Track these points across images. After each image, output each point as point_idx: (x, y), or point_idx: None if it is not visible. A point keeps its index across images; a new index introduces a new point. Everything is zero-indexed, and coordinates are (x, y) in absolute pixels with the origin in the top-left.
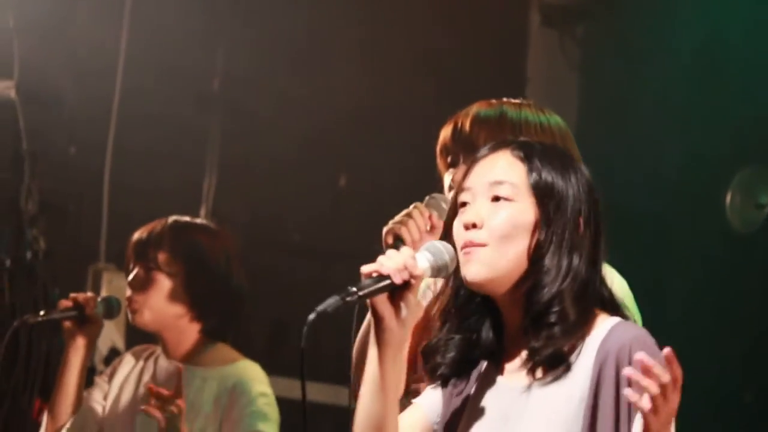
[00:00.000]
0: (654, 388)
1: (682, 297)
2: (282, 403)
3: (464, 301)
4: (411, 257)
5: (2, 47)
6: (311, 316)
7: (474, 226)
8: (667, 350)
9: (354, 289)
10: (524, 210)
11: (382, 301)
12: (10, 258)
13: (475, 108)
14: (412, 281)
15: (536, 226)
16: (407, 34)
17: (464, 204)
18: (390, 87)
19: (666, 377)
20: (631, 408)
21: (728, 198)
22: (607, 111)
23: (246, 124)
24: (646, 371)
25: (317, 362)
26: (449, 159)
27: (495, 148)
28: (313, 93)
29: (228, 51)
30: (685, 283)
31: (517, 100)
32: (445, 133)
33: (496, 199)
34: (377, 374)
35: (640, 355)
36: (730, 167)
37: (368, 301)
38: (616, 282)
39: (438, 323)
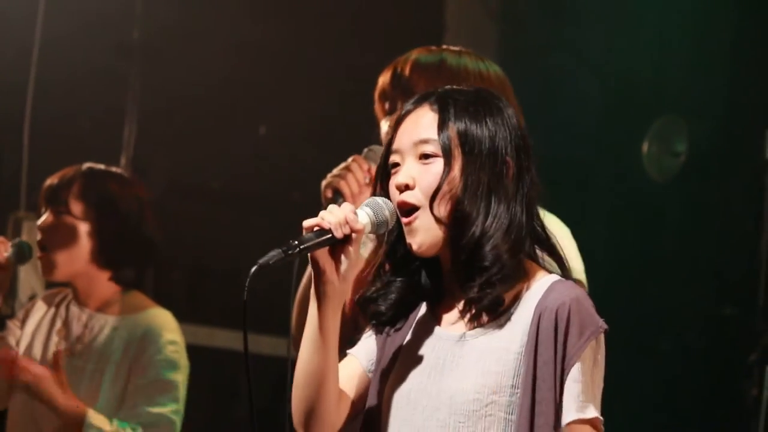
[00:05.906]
0: None
1: (603, 244)
2: (201, 351)
3: (405, 252)
4: (352, 212)
5: None
6: (253, 269)
7: (407, 187)
8: None
9: (295, 242)
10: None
11: (323, 255)
12: None
13: (415, 54)
14: (353, 235)
15: (459, 176)
16: None
17: (396, 164)
18: (308, 35)
19: None
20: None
21: (645, 147)
22: (525, 60)
23: (166, 73)
24: None
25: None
26: (387, 105)
27: (417, 103)
28: (232, 41)
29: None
30: (606, 230)
31: (457, 48)
32: (384, 78)
33: (424, 156)
34: (318, 327)
35: None
36: (646, 116)
37: (309, 254)
38: (554, 229)
39: (373, 276)
